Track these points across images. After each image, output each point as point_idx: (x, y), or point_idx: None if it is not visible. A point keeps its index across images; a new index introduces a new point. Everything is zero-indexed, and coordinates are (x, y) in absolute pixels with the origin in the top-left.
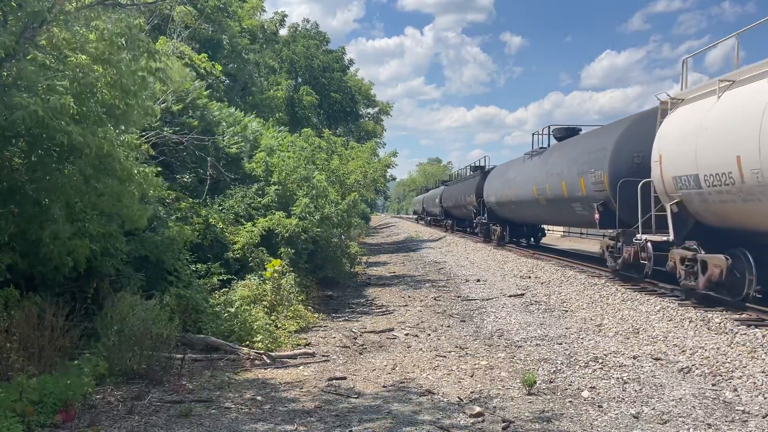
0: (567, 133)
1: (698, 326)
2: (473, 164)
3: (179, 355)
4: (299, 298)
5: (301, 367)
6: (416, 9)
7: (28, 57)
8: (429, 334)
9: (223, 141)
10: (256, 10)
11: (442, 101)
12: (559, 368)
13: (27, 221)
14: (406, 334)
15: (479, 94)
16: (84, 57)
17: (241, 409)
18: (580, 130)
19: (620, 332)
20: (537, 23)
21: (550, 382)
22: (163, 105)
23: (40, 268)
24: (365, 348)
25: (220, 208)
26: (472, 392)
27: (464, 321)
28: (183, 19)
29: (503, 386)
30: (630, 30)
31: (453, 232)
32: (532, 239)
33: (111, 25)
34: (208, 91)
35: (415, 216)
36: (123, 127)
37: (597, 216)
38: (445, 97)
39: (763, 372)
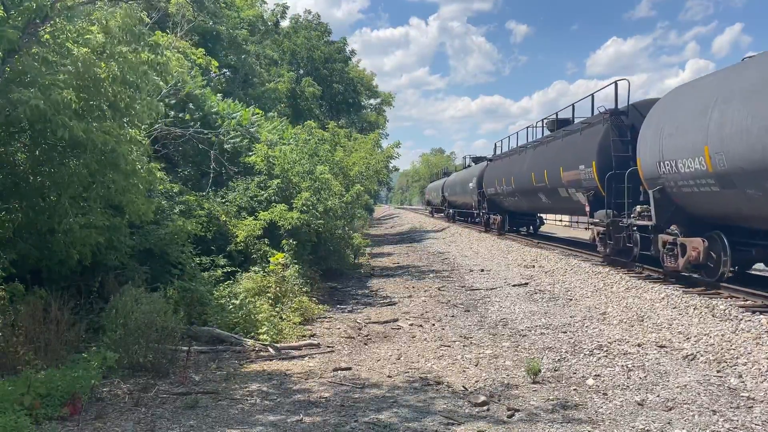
0: None
1: (703, 313)
2: (544, 120)
3: (185, 348)
4: (303, 289)
5: (306, 358)
6: None
7: (32, 51)
8: (433, 324)
9: (225, 135)
10: (255, 0)
11: (447, 91)
12: (563, 356)
13: (37, 213)
14: (411, 325)
15: (484, 84)
16: (85, 50)
17: (247, 400)
18: None
19: (625, 320)
20: (543, 11)
21: (555, 370)
22: (164, 99)
23: (46, 262)
24: (370, 338)
25: (223, 200)
26: (476, 381)
27: (468, 311)
28: (181, 11)
29: (508, 375)
30: (636, 17)
31: (501, 234)
32: None
33: (110, 19)
34: (205, 82)
35: (429, 208)
36: (126, 120)
37: None
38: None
39: None
